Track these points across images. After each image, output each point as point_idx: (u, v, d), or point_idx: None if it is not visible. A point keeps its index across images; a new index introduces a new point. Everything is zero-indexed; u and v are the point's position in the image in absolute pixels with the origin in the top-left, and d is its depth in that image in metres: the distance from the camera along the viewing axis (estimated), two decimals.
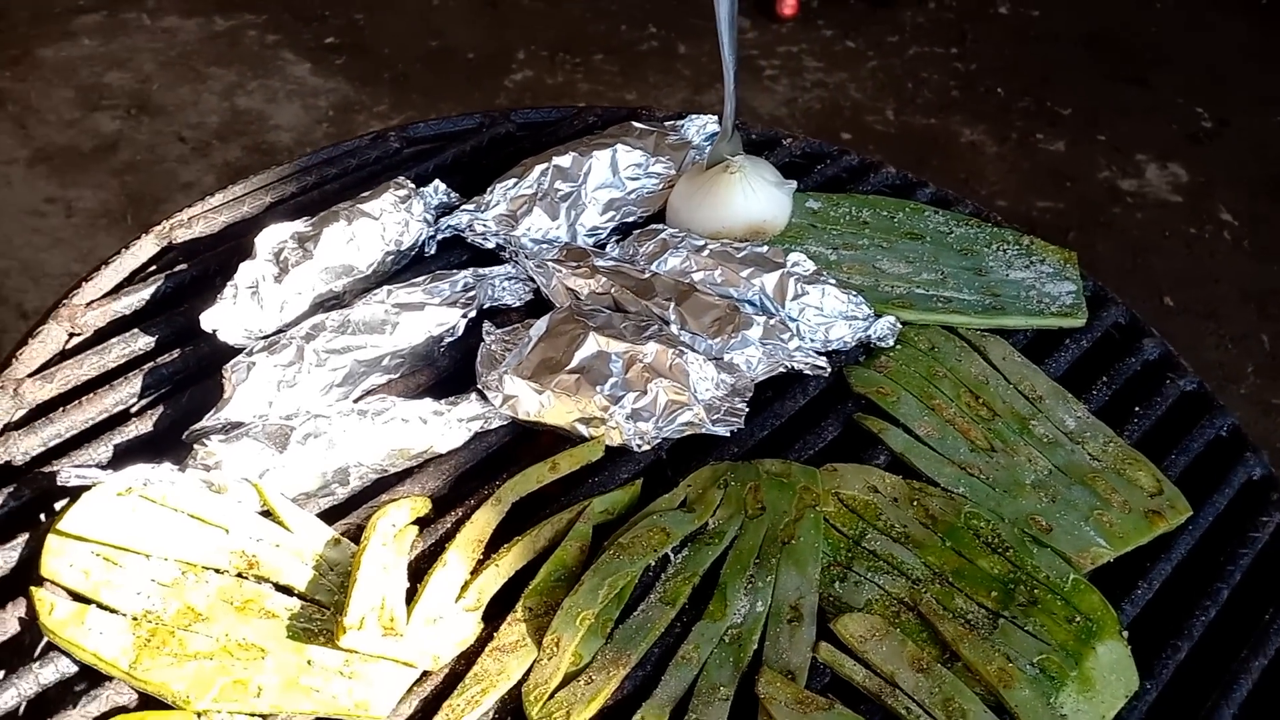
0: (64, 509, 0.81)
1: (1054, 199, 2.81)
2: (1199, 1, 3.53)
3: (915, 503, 0.93)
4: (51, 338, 0.97)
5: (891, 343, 1.04)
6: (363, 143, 1.22)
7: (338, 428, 0.86)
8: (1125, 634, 0.85)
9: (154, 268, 1.06)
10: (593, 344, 0.91)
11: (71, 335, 0.98)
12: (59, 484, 0.79)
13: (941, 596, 0.86)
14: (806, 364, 0.97)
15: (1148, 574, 0.90)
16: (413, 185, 1.06)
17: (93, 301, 1.00)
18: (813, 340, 1.01)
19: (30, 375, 0.93)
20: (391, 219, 1.02)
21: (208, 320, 0.93)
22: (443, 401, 0.92)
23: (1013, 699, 0.79)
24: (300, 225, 1.00)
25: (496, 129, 1.26)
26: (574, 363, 0.91)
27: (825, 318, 1.02)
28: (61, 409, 0.91)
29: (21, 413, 0.92)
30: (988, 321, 1.09)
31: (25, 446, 0.88)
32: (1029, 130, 3.04)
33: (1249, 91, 3.22)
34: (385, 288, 0.97)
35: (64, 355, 0.97)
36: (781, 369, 0.98)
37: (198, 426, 0.88)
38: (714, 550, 0.88)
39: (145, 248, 1.06)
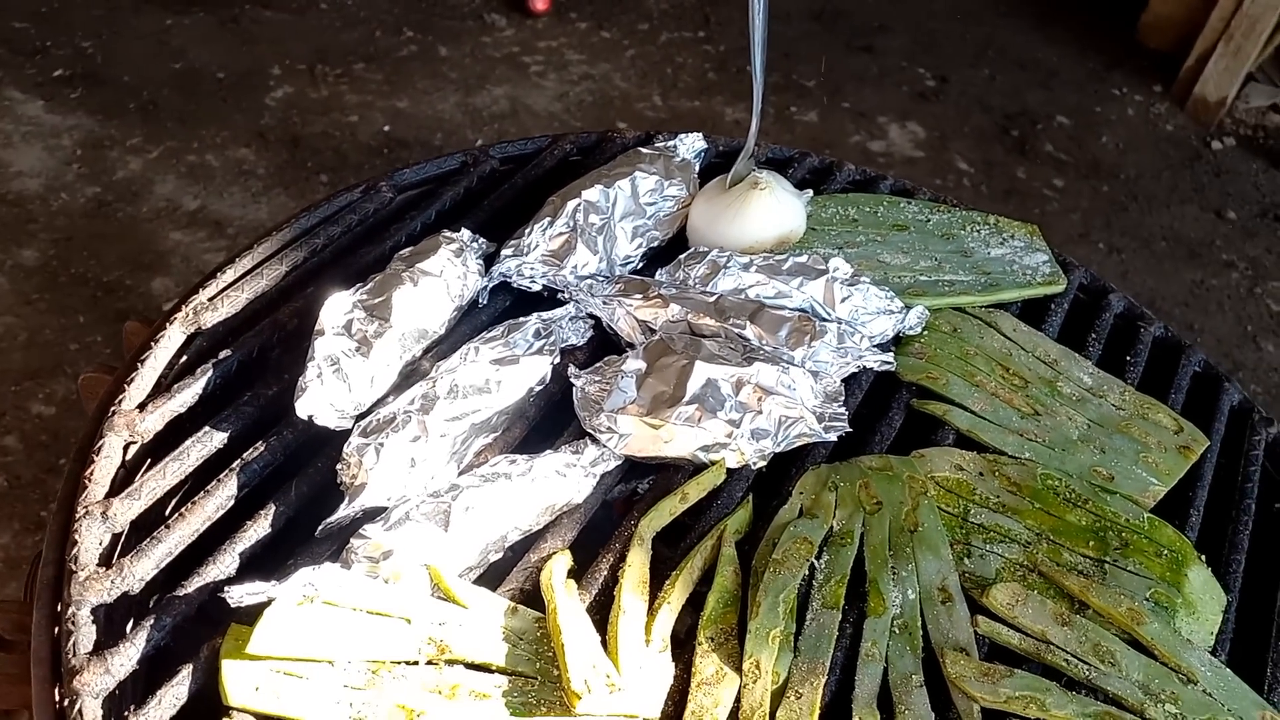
0: (230, 631, 0.76)
1: None
2: None
3: (996, 473, 1.01)
4: (112, 450, 0.88)
5: (919, 330, 1.12)
6: (354, 196, 1.17)
7: (490, 496, 0.84)
8: (1202, 557, 0.97)
9: (185, 358, 0.98)
10: (702, 373, 0.94)
11: (129, 444, 0.90)
12: (232, 605, 0.74)
13: (1051, 554, 0.95)
14: (877, 361, 1.04)
15: (1193, 501, 1.04)
16: (459, 236, 1.04)
17: (144, 403, 0.92)
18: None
19: (111, 495, 0.85)
20: (452, 274, 1.00)
21: (303, 407, 0.88)
22: (566, 450, 0.92)
23: (1147, 634, 0.89)
24: (358, 294, 0.96)
25: (481, 166, 1.24)
26: (688, 394, 0.93)
27: (869, 315, 1.08)
28: (163, 525, 0.84)
29: (108, 536, 0.84)
30: (989, 298, 1.20)
31: (140, 572, 0.81)
32: (783, 104, 3.24)
33: (960, 49, 3.56)
34: (469, 346, 0.95)
35: (131, 467, 0.90)
36: (852, 369, 1.03)
37: (333, 519, 0.84)
38: (850, 550, 0.93)
39: (174, 338, 0.98)
